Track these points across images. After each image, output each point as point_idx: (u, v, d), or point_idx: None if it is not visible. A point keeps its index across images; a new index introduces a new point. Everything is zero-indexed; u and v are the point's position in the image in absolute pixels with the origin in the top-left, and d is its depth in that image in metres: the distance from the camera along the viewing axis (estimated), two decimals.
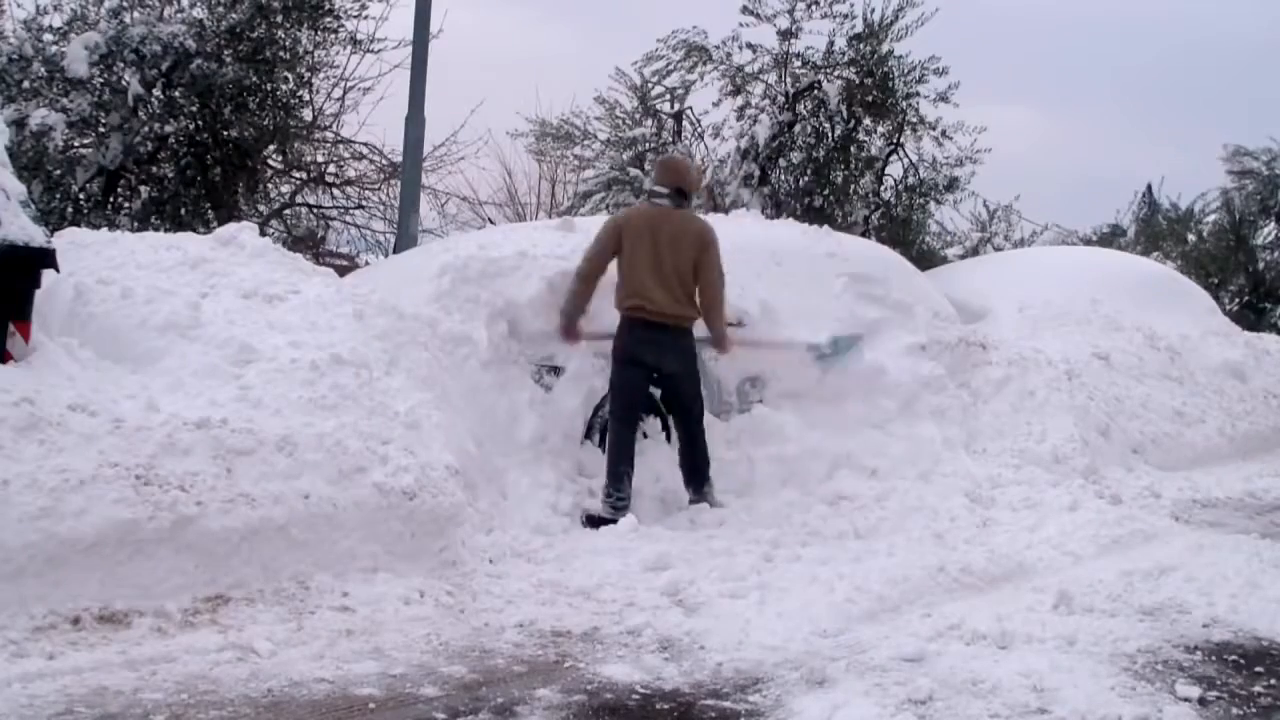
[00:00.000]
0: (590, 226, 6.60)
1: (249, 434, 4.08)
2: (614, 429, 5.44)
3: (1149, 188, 19.99)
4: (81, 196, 9.62)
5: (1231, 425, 8.38)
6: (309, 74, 10.71)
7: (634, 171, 12.46)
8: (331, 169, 11.70)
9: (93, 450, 3.73)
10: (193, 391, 4.25)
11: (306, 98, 10.80)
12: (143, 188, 10.20)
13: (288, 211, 11.86)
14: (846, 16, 11.72)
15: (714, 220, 6.53)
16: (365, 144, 11.57)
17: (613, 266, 5.56)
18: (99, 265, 5.07)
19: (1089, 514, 5.89)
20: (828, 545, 5.01)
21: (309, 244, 11.61)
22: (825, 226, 8.02)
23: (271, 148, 10.77)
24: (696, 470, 5.52)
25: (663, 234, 5.45)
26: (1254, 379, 9.08)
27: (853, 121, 11.93)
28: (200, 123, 9.91)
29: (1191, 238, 17.54)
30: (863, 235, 10.66)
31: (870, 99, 11.68)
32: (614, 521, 5.03)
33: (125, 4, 9.69)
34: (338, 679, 3.28)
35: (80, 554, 3.51)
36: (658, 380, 5.58)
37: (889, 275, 7.50)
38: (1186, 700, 3.42)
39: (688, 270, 5.45)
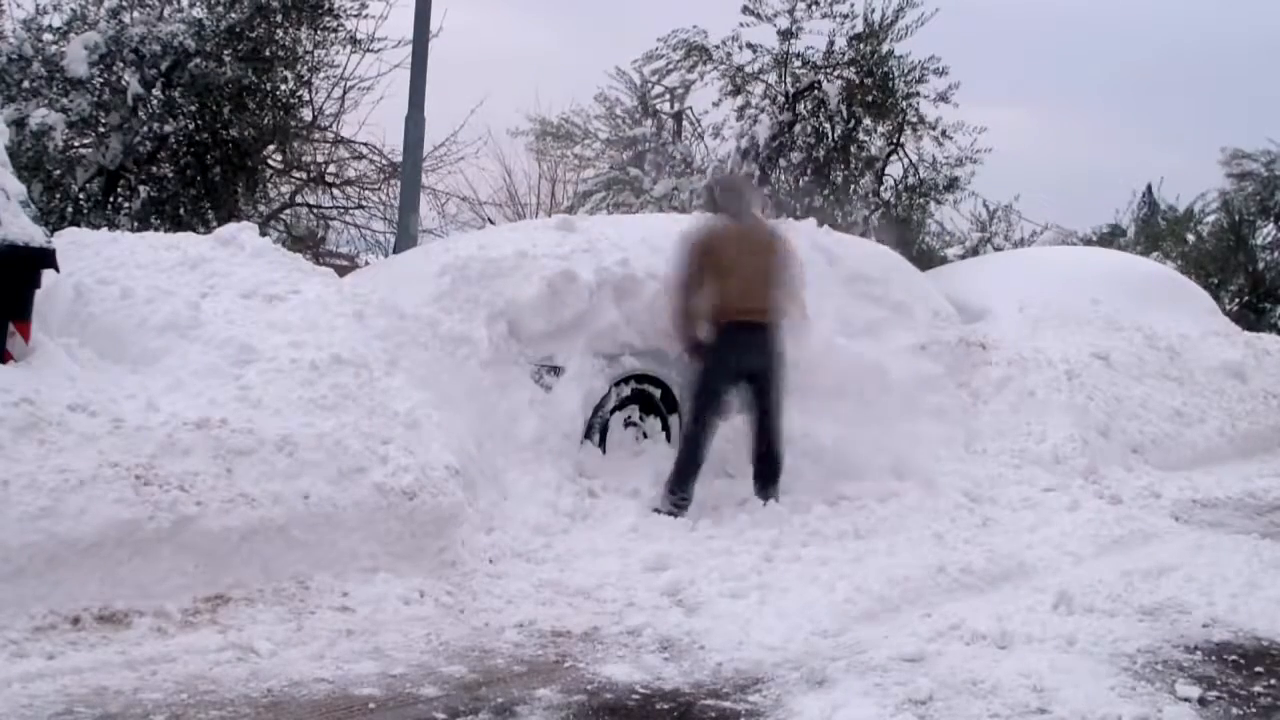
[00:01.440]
0: (589, 226, 6.61)
1: (249, 434, 4.08)
2: (695, 432, 5.51)
3: (1149, 188, 19.96)
4: (81, 196, 9.62)
5: (1231, 425, 8.37)
6: (309, 73, 10.71)
7: (634, 171, 12.46)
8: (331, 169, 11.71)
9: (93, 450, 3.73)
10: (193, 391, 4.25)
11: (306, 97, 10.81)
12: (142, 188, 10.19)
13: (288, 211, 11.85)
14: (847, 16, 11.72)
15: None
16: (365, 144, 11.59)
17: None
18: (99, 265, 5.07)
19: (1089, 514, 5.89)
20: (828, 545, 5.01)
21: (309, 244, 11.60)
22: (825, 226, 8.01)
23: (271, 147, 10.77)
24: (773, 473, 5.60)
25: (755, 242, 5.71)
26: (1254, 379, 9.07)
27: (853, 121, 11.93)
28: (200, 122, 9.90)
29: (1191, 238, 17.53)
30: (862, 235, 10.66)
31: (870, 99, 11.67)
32: (674, 516, 5.21)
33: (125, 4, 9.68)
34: (338, 679, 3.28)
35: (80, 554, 3.51)
36: (748, 382, 5.64)
37: (889, 275, 7.50)
38: (1186, 700, 3.42)
39: (776, 272, 5.68)
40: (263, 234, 5.95)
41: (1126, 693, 3.45)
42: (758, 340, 5.56)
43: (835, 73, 11.60)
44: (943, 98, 11.62)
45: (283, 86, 10.39)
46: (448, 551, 4.33)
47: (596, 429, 5.69)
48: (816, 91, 11.66)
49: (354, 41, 10.76)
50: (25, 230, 4.12)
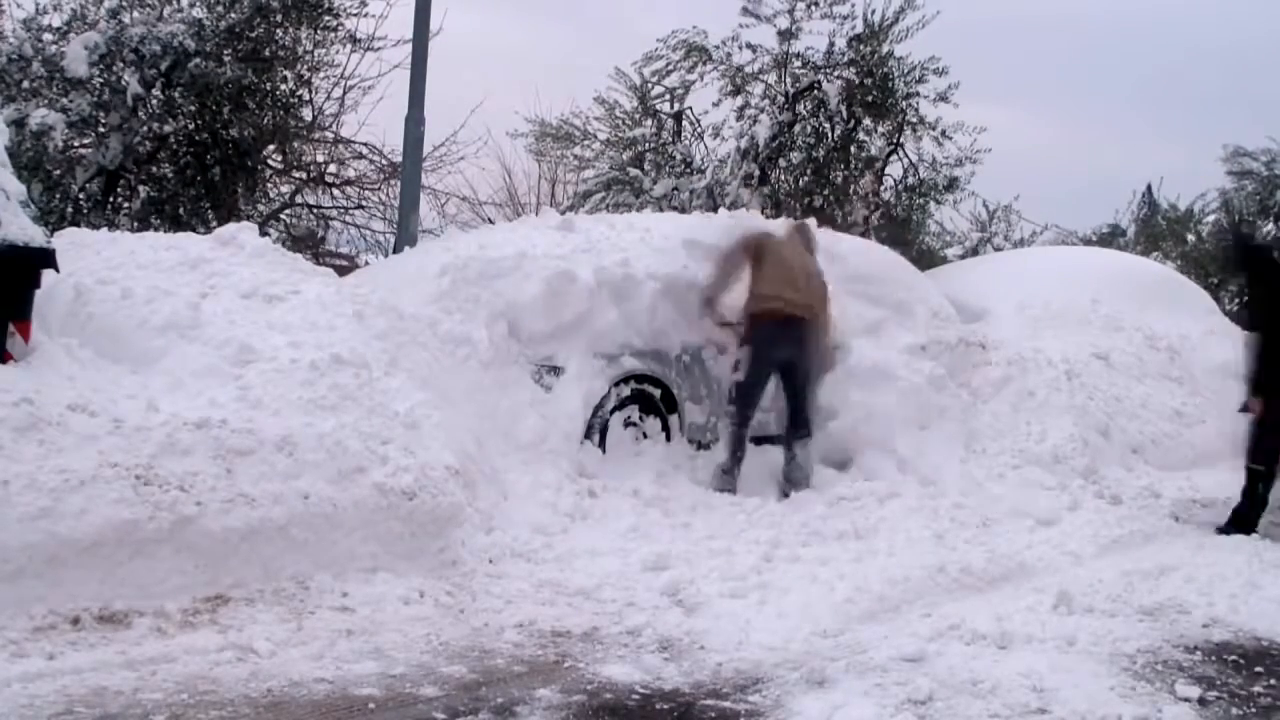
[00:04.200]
0: (589, 226, 6.62)
1: (249, 434, 4.08)
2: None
3: (1149, 188, 19.96)
4: (81, 196, 9.62)
5: (1231, 425, 8.37)
6: (309, 73, 10.70)
7: (634, 171, 12.45)
8: (331, 169, 11.72)
9: (93, 450, 3.73)
10: (193, 391, 4.25)
11: (306, 97, 10.80)
12: (142, 188, 10.19)
13: (288, 211, 11.85)
14: (846, 17, 11.72)
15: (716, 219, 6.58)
16: (365, 144, 11.58)
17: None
18: (99, 265, 5.06)
19: (1089, 514, 5.90)
20: (828, 545, 5.01)
21: (309, 244, 11.59)
22: (825, 226, 8.01)
23: (271, 147, 10.77)
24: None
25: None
26: None
27: (853, 121, 11.92)
28: (199, 122, 9.91)
29: (1191, 238, 17.52)
30: (862, 235, 10.65)
31: (870, 99, 11.66)
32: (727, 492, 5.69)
33: (125, 4, 9.67)
34: (338, 679, 3.28)
35: (80, 554, 3.51)
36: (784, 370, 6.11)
37: (889, 275, 7.50)
38: (1186, 700, 3.43)
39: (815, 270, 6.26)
40: (263, 234, 5.95)
41: (1126, 693, 3.45)
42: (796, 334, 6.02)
43: (835, 73, 11.60)
44: (942, 98, 11.62)
45: (283, 86, 10.39)
46: (448, 551, 4.33)
47: (596, 429, 5.69)
48: (816, 92, 11.65)
49: (354, 41, 10.77)
50: (25, 230, 4.12)
